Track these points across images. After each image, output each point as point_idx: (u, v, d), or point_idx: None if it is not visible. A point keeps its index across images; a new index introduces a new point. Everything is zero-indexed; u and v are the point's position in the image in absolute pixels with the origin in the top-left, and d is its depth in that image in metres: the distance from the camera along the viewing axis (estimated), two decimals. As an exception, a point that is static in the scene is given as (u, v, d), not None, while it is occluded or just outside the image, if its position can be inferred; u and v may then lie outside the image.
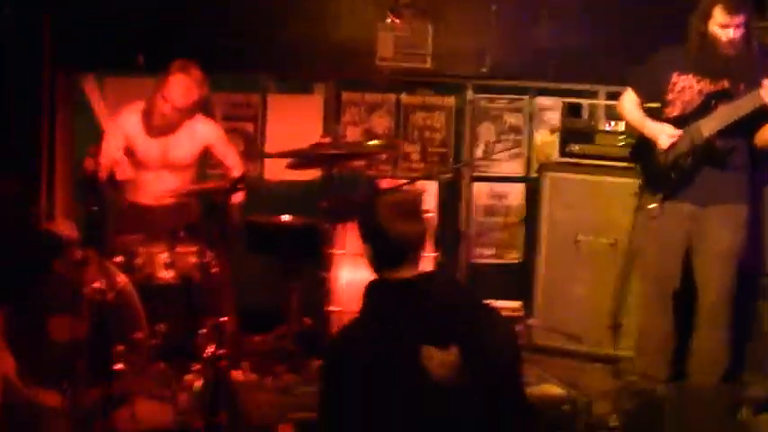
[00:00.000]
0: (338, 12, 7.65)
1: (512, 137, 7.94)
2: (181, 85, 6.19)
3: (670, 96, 5.70)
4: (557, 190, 6.85)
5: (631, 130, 6.20)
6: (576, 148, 6.90)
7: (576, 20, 7.75)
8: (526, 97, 8.00)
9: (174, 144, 6.34)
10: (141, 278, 5.68)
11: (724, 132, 5.47)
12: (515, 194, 7.94)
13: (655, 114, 5.88)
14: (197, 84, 6.25)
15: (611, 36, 7.71)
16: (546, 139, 7.45)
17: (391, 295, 3.52)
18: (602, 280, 6.62)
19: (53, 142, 7.14)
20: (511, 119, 7.95)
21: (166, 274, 5.77)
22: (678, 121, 5.63)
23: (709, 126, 5.48)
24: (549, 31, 7.75)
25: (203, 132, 6.44)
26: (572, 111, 7.36)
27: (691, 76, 5.63)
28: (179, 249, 5.82)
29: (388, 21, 7.43)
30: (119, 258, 5.69)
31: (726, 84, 5.53)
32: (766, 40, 5.94)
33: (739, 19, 5.36)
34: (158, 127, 6.28)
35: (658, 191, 5.69)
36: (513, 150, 7.89)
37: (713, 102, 5.51)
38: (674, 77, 5.68)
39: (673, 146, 5.59)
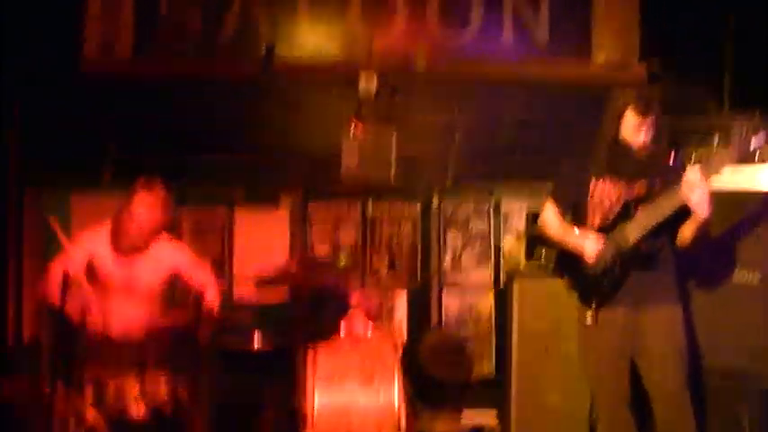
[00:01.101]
0: (302, 121, 7.73)
1: (479, 243, 7.98)
2: (145, 204, 6.16)
3: (590, 205, 5.69)
4: (526, 297, 6.82)
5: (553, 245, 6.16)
6: (542, 253, 6.93)
7: (536, 119, 7.88)
8: (491, 203, 8.03)
9: (139, 269, 6.27)
10: (112, 412, 5.64)
11: (648, 234, 5.46)
12: (485, 301, 7.94)
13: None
14: (161, 202, 6.22)
15: (573, 134, 7.80)
16: (513, 245, 7.47)
17: None
18: (576, 386, 6.55)
19: (21, 262, 7.14)
20: (477, 225, 7.98)
21: (138, 406, 5.71)
22: (601, 229, 5.61)
23: (633, 231, 5.46)
24: (511, 131, 7.85)
25: (169, 256, 6.38)
26: (537, 216, 7.37)
27: (608, 181, 5.61)
28: (149, 381, 5.77)
29: (353, 129, 7.47)
30: (88, 393, 5.64)
31: (643, 186, 5.54)
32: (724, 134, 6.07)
33: (650, 120, 5.41)
34: (125, 247, 6.22)
35: (591, 301, 5.62)
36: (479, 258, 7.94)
37: (633, 206, 5.53)
38: (592, 184, 5.67)
39: (599, 255, 5.60)
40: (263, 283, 6.42)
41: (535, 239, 7.01)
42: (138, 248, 6.24)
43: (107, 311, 6.27)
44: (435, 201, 7.92)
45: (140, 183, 6.22)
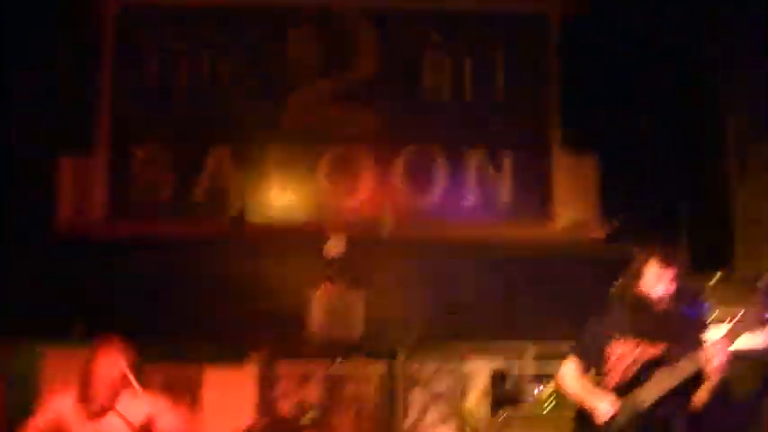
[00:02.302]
0: (271, 281, 7.88)
1: (442, 402, 8.07)
2: (105, 362, 6.13)
3: (609, 365, 5.73)
4: (489, 456, 6.92)
5: (562, 395, 6.21)
6: (504, 413, 7.02)
7: (501, 281, 8.06)
8: (455, 362, 8.14)
9: (112, 428, 6.26)
10: None
11: (663, 399, 5.50)
12: (450, 461, 8.02)
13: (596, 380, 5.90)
14: (121, 358, 6.19)
15: (536, 294, 7.97)
16: (476, 405, 7.56)
17: None
18: None
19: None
20: (440, 386, 8.09)
21: None
22: (618, 390, 5.57)
23: (649, 394, 5.50)
24: (476, 293, 8.01)
25: (138, 408, 6.36)
26: (500, 376, 7.48)
27: (627, 342, 5.61)
28: None
29: (319, 290, 7.61)
30: None
31: (660, 348, 5.51)
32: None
33: (671, 273, 5.47)
34: (93, 408, 6.21)
35: None
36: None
37: (650, 369, 5.61)
38: (612, 345, 5.66)
39: (614, 417, 5.66)
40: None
41: (500, 398, 7.09)
42: (105, 408, 6.22)
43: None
44: (400, 360, 8.05)
45: (99, 342, 6.25)
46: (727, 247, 7.82)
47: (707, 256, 7.67)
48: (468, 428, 7.68)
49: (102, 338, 6.18)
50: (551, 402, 6.83)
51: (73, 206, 8.01)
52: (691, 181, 8.14)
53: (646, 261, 5.54)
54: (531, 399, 7.03)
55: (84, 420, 6.13)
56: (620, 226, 8.12)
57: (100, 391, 6.07)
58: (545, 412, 6.84)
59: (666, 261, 5.48)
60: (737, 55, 7.90)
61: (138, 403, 6.29)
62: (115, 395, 6.12)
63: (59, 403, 6.19)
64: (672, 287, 5.51)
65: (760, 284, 6.12)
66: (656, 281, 5.50)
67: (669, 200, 8.12)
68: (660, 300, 5.52)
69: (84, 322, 7.16)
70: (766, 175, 7.57)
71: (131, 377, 6.15)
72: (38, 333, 7.65)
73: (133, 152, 8.19)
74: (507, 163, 8.41)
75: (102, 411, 6.14)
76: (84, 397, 6.09)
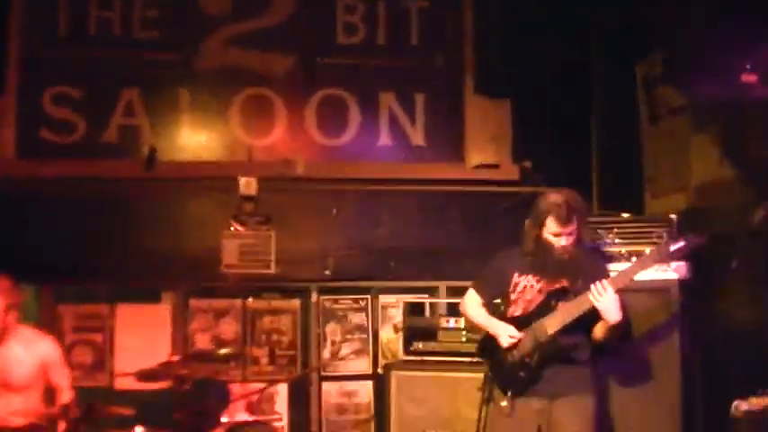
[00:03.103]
0: (183, 221, 7.87)
1: (357, 336, 8.13)
2: None
3: (512, 296, 5.84)
4: (403, 387, 6.93)
5: (471, 329, 6.32)
6: (419, 345, 7.06)
7: (414, 220, 8.12)
8: (369, 297, 8.22)
9: (6, 363, 6.21)
10: None
11: (566, 329, 5.66)
12: (365, 392, 8.08)
13: (499, 309, 6.02)
14: (2, 292, 6.19)
15: (448, 234, 8.05)
16: (390, 338, 7.61)
17: None
18: (454, 473, 6.70)
19: None
20: (355, 318, 8.16)
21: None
22: (521, 320, 5.76)
23: (552, 324, 5.63)
24: (389, 231, 8.07)
25: (40, 350, 6.33)
26: (415, 309, 7.52)
27: (530, 276, 5.80)
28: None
29: (232, 229, 7.61)
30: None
31: (564, 282, 5.68)
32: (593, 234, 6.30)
33: (570, 227, 5.58)
34: None
35: (508, 389, 5.76)
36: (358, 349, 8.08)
37: (553, 301, 5.70)
38: (515, 278, 5.82)
39: (518, 344, 5.75)
40: (145, 375, 6.41)
41: (411, 330, 7.13)
42: None
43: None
44: (314, 296, 8.08)
45: None
46: (636, 189, 7.93)
47: (616, 197, 7.78)
48: (383, 361, 7.73)
49: None
50: (466, 334, 6.88)
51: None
52: (602, 124, 8.24)
53: (546, 213, 5.63)
54: (444, 331, 7.04)
55: None
56: (531, 168, 8.19)
57: None
58: (462, 341, 6.87)
59: (565, 218, 5.57)
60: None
61: (36, 339, 6.30)
62: (1, 329, 6.11)
63: None
64: (571, 239, 5.63)
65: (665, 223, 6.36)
66: (556, 235, 5.61)
67: (581, 144, 8.22)
68: (561, 249, 5.64)
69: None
70: (674, 118, 7.66)
71: (13, 316, 6.16)
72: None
73: (44, 93, 8.06)
74: (420, 105, 8.43)
75: None
76: None
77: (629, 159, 8.03)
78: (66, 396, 6.27)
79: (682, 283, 6.22)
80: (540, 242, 5.67)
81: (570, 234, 5.59)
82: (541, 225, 5.63)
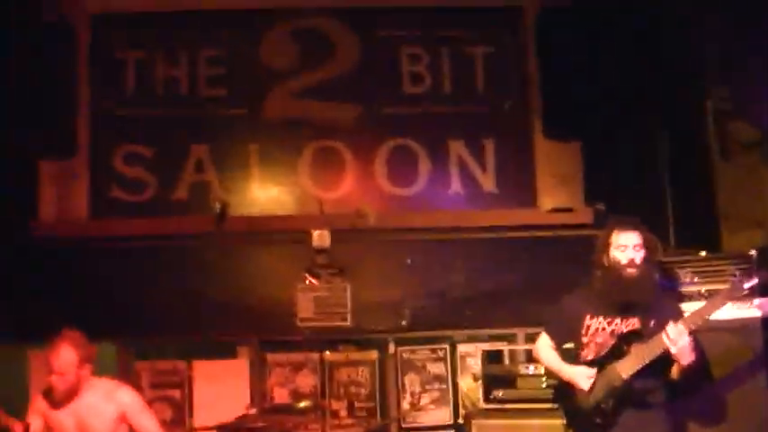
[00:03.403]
0: (257, 275, 7.90)
1: (437, 386, 8.06)
2: (57, 353, 6.23)
3: (584, 339, 5.79)
4: (484, 434, 6.88)
5: (551, 374, 6.25)
6: (499, 393, 6.99)
7: (489, 266, 8.06)
8: (447, 345, 8.14)
9: (85, 413, 6.30)
10: None
11: (640, 372, 5.58)
12: (446, 443, 8.00)
13: (571, 354, 5.98)
14: (74, 347, 6.26)
15: (524, 279, 7.98)
16: (470, 386, 7.53)
17: None
18: None
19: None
20: (434, 368, 8.09)
21: None
22: (593, 364, 5.69)
23: (625, 368, 5.55)
24: (464, 278, 8.01)
25: (118, 398, 6.41)
26: (493, 357, 7.44)
27: (602, 317, 5.73)
28: None
29: (306, 282, 7.60)
30: None
31: (636, 324, 5.63)
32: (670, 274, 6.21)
33: (634, 238, 5.55)
34: (57, 399, 6.30)
35: None
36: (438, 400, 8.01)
37: (625, 345, 5.62)
38: (587, 320, 5.77)
39: (592, 390, 5.68)
40: (223, 430, 6.40)
41: (490, 378, 7.05)
42: (68, 396, 6.30)
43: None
44: (391, 347, 8.03)
45: (56, 335, 6.32)
46: (713, 227, 7.81)
47: (692, 236, 7.68)
48: (463, 411, 7.65)
49: (60, 332, 6.27)
50: (547, 380, 6.79)
51: (55, 208, 7.95)
52: (674, 164, 8.15)
53: (609, 232, 5.64)
54: (523, 378, 6.96)
55: (50, 410, 6.26)
56: (605, 210, 8.10)
57: (56, 383, 6.21)
58: (542, 387, 6.79)
59: (624, 226, 5.60)
60: (717, 36, 7.91)
61: (111, 389, 6.41)
62: (72, 386, 6.23)
63: (37, 400, 6.35)
64: (639, 253, 5.57)
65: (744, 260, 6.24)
66: (621, 249, 5.58)
67: (653, 183, 8.13)
68: (628, 265, 5.57)
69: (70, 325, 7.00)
70: (747, 152, 7.57)
71: (87, 368, 6.25)
72: (23, 335, 7.62)
73: (114, 152, 8.14)
74: (489, 151, 8.39)
75: (65, 400, 6.25)
76: (48, 389, 6.23)
77: (703, 196, 7.91)
78: None
79: (765, 321, 6.08)
80: (608, 270, 5.62)
81: (636, 247, 5.54)
82: (606, 246, 5.60)
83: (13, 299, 7.54)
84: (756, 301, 6.04)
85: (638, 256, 5.56)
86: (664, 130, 8.22)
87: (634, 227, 5.60)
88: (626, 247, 5.56)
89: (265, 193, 8.23)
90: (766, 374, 6.03)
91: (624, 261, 5.56)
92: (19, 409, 6.45)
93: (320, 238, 7.65)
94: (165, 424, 7.55)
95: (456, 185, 8.37)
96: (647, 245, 5.61)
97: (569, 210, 8.22)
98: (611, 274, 5.63)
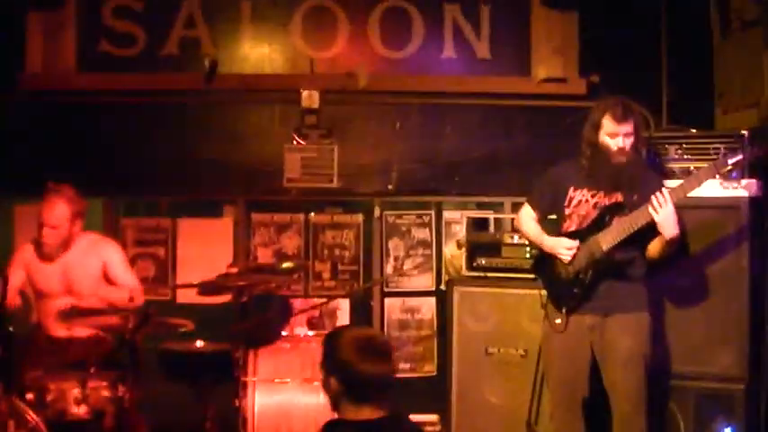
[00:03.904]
0: (245, 133, 7.86)
1: (421, 251, 8.07)
2: (50, 206, 6.30)
3: (567, 211, 5.82)
4: (466, 303, 6.90)
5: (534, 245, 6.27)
6: (483, 261, 7.00)
7: (479, 134, 8.01)
8: (433, 211, 8.13)
9: (71, 267, 6.40)
10: (53, 415, 5.58)
11: (621, 244, 5.61)
12: (427, 308, 8.05)
13: (554, 226, 6.01)
14: (67, 201, 6.34)
15: (513, 148, 7.94)
16: (454, 253, 7.53)
17: None
18: (515, 389, 6.67)
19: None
20: (419, 233, 8.08)
21: (79, 410, 5.67)
22: (575, 235, 5.75)
23: (606, 240, 5.60)
24: (453, 145, 7.98)
25: (102, 252, 6.49)
26: (478, 224, 7.45)
27: (585, 190, 5.75)
28: (91, 384, 5.72)
29: (294, 142, 7.56)
30: (29, 395, 5.60)
31: (619, 197, 5.65)
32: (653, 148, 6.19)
33: (627, 127, 5.54)
34: (46, 252, 6.39)
35: (562, 305, 5.77)
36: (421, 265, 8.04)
37: (608, 216, 5.64)
38: (570, 192, 5.80)
39: (572, 260, 5.71)
40: (205, 287, 6.44)
41: (475, 246, 7.06)
42: (58, 250, 6.35)
43: (48, 313, 6.34)
44: (377, 210, 8.02)
45: (47, 189, 6.34)
46: (707, 106, 7.74)
47: (686, 113, 7.61)
48: (446, 277, 7.68)
49: (51, 187, 6.28)
50: (530, 250, 6.79)
51: (41, 60, 7.83)
52: (673, 40, 8.02)
53: (602, 115, 5.60)
54: (507, 246, 6.96)
55: (38, 263, 6.32)
56: (599, 82, 8.01)
57: (47, 237, 6.26)
58: (526, 257, 6.80)
59: (621, 116, 5.56)
60: None
61: (98, 243, 6.48)
62: (64, 240, 6.30)
63: (23, 251, 6.40)
64: (629, 141, 5.58)
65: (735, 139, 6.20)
66: (612, 135, 5.59)
67: (650, 58, 8.02)
68: (618, 152, 5.56)
69: (54, 179, 6.95)
70: (747, 31, 7.44)
71: (79, 224, 6.29)
72: (9, 190, 7.62)
73: (102, 5, 7.97)
74: (485, 17, 8.25)
75: (55, 254, 6.31)
76: (38, 245, 6.28)
77: (700, 74, 7.82)
78: (134, 295, 6.40)
79: (752, 200, 6.05)
80: (597, 149, 5.64)
81: (626, 135, 5.55)
82: (598, 126, 5.61)
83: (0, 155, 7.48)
84: (744, 181, 6.01)
85: (628, 142, 5.58)
86: (665, 5, 8.05)
87: (626, 115, 5.56)
88: (617, 134, 5.57)
89: (256, 51, 8.04)
90: (748, 253, 6.04)
91: (614, 148, 5.59)
92: (2, 264, 6.51)
93: (309, 98, 7.60)
94: (148, 281, 7.64)
95: (449, 50, 8.20)
96: (637, 130, 5.61)
97: (563, 80, 8.10)
98: (599, 155, 5.65)
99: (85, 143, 7.64)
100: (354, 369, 3.47)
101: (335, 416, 3.68)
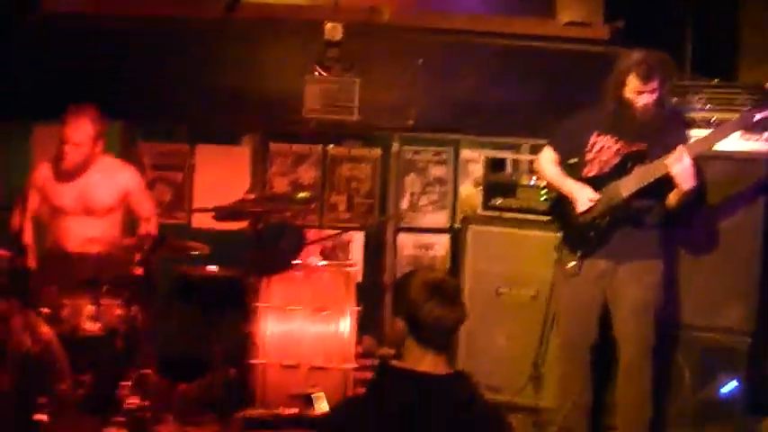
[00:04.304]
0: (266, 64, 7.81)
1: (437, 188, 8.09)
2: (75, 124, 6.33)
3: (588, 156, 5.81)
4: (480, 243, 6.93)
5: (551, 188, 6.28)
6: (498, 201, 7.01)
7: (500, 74, 7.96)
8: (451, 149, 8.13)
9: (89, 188, 6.44)
10: (66, 330, 5.67)
11: (641, 192, 5.62)
12: (440, 245, 8.08)
13: (574, 170, 6.00)
14: (91, 121, 6.36)
15: (534, 90, 7.90)
16: (470, 192, 7.55)
17: (404, 389, 3.48)
18: (523, 331, 6.72)
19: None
20: (436, 171, 8.10)
21: (92, 326, 5.76)
22: (595, 180, 5.77)
23: (627, 187, 5.61)
24: (474, 84, 7.94)
25: (122, 177, 6.54)
26: (496, 164, 7.45)
27: (609, 136, 5.75)
28: (104, 302, 5.81)
29: (315, 74, 7.54)
30: (45, 310, 5.69)
31: (642, 146, 5.64)
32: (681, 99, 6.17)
33: (652, 85, 5.51)
34: (66, 171, 6.43)
35: (577, 249, 5.80)
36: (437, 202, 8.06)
37: (629, 163, 5.64)
38: (593, 138, 5.79)
39: (590, 204, 5.72)
40: (222, 214, 6.48)
41: (491, 186, 7.06)
42: (78, 169, 6.38)
43: (64, 231, 6.39)
44: (395, 146, 8.03)
45: (71, 109, 6.37)
46: (732, 58, 7.70)
47: (711, 64, 7.57)
48: (461, 215, 7.70)
49: (74, 106, 6.29)
50: (546, 193, 6.80)
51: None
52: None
53: (628, 71, 5.57)
54: (524, 188, 6.97)
55: (55, 183, 6.35)
56: (622, 28, 7.96)
57: (70, 154, 6.29)
58: (542, 200, 6.80)
59: (646, 75, 5.53)
60: None
61: (119, 167, 6.53)
62: (85, 159, 6.33)
63: (40, 171, 6.43)
64: (653, 97, 5.56)
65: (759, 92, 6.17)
66: (637, 93, 5.57)
67: (676, 5, 7.96)
68: (643, 108, 5.55)
69: (75, 101, 6.95)
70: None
71: (100, 145, 6.31)
72: (28, 110, 7.63)
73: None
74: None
75: (75, 173, 6.34)
76: (58, 160, 6.31)
77: (726, 26, 7.76)
78: (146, 227, 6.44)
79: (772, 154, 6.06)
80: (622, 102, 5.63)
81: (652, 92, 5.53)
82: (623, 83, 5.60)
83: (18, 75, 7.44)
84: (765, 134, 6.00)
85: (653, 99, 5.56)
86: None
87: (652, 74, 5.52)
88: (642, 92, 5.55)
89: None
90: (763, 208, 6.05)
91: (638, 104, 5.58)
92: (21, 187, 6.55)
93: (332, 30, 7.55)
94: (165, 205, 7.67)
95: (474, -12, 8.17)
96: (662, 85, 5.58)
97: (587, 24, 8.06)
98: (624, 108, 5.64)
99: (106, 67, 7.60)
100: (422, 308, 3.46)
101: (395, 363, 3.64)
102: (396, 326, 3.52)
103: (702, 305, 6.14)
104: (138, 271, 5.95)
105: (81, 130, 6.31)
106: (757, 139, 6.02)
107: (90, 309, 5.78)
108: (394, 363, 3.55)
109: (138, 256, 5.96)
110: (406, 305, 3.49)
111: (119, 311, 5.84)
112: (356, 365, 6.19)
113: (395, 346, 3.58)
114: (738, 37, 7.72)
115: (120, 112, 7.52)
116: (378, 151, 8.11)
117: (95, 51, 7.62)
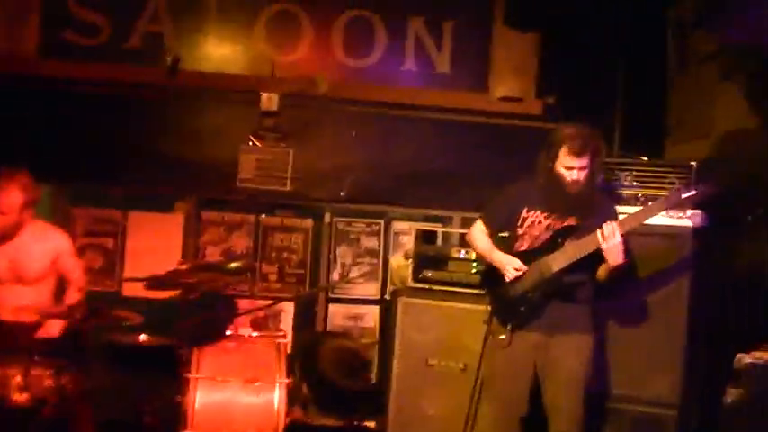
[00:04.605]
0: (203, 131, 7.87)
1: (368, 260, 8.15)
2: (4, 192, 6.20)
3: (519, 231, 5.87)
4: (410, 314, 6.92)
5: (482, 261, 6.33)
6: (429, 273, 7.04)
7: (434, 147, 8.08)
8: (382, 221, 8.22)
9: (20, 255, 6.31)
10: (-6, 399, 5.58)
11: (571, 267, 5.68)
12: (370, 316, 8.13)
13: (505, 244, 6.04)
14: (21, 189, 6.24)
15: (467, 163, 8.01)
16: (401, 264, 7.59)
17: None
18: (453, 402, 6.69)
19: None
20: (367, 242, 8.18)
21: (19, 397, 5.65)
22: (527, 255, 5.81)
23: (557, 261, 5.67)
24: (408, 157, 8.04)
25: (52, 242, 6.43)
26: (427, 237, 7.50)
27: (539, 211, 5.81)
28: (34, 372, 5.67)
29: (250, 143, 7.59)
30: (-29, 377, 5.59)
31: (572, 221, 5.72)
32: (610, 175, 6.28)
33: (583, 162, 5.59)
34: None
35: (507, 322, 5.83)
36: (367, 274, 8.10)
37: (560, 239, 5.72)
38: (524, 212, 5.84)
39: (521, 279, 5.78)
40: (153, 282, 6.45)
41: (422, 258, 7.11)
42: (6, 235, 6.29)
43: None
44: (328, 216, 8.07)
45: (2, 173, 6.27)
46: (659, 134, 7.86)
47: (638, 142, 7.71)
48: (391, 287, 7.74)
49: (5, 170, 6.22)
50: (477, 266, 6.86)
51: (4, 43, 7.82)
52: (630, 69, 8.12)
53: (559, 145, 5.64)
54: (454, 261, 7.03)
55: None
56: (555, 104, 8.11)
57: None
58: (472, 272, 6.86)
59: (578, 150, 5.59)
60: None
61: (50, 232, 6.44)
62: (14, 225, 6.21)
63: None
64: (584, 173, 5.63)
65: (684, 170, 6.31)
66: (568, 167, 5.63)
67: (607, 84, 8.12)
68: (573, 183, 5.63)
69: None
70: (702, 66, 7.57)
71: (29, 212, 6.24)
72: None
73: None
74: (448, 33, 8.34)
75: (5, 239, 6.24)
76: None
77: (654, 104, 7.93)
78: (75, 295, 6.36)
79: (696, 231, 6.17)
80: (552, 175, 5.68)
81: (582, 168, 5.60)
82: (554, 157, 5.64)
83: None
84: (689, 212, 6.12)
85: (583, 174, 5.63)
86: (624, 35, 8.16)
87: (584, 149, 5.57)
88: (572, 168, 5.61)
89: (219, 50, 8.10)
90: (689, 281, 6.15)
91: (569, 179, 5.64)
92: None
93: (268, 100, 7.61)
94: (95, 271, 7.63)
95: (410, 63, 8.31)
96: (593, 160, 5.64)
97: (519, 99, 8.21)
98: (554, 181, 5.69)
99: (41, 129, 7.61)
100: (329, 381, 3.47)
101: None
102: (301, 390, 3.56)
103: (630, 377, 6.20)
104: (69, 340, 5.89)
105: (10, 198, 6.21)
106: (681, 216, 6.14)
107: (18, 379, 5.66)
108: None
109: (68, 325, 5.91)
110: (313, 373, 3.52)
111: (49, 381, 5.71)
112: (286, 437, 6.17)
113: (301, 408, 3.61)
114: (666, 116, 7.89)
115: (53, 175, 7.50)
116: (310, 222, 8.18)
117: (32, 112, 7.64)
